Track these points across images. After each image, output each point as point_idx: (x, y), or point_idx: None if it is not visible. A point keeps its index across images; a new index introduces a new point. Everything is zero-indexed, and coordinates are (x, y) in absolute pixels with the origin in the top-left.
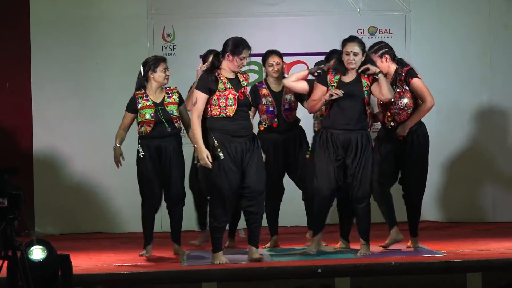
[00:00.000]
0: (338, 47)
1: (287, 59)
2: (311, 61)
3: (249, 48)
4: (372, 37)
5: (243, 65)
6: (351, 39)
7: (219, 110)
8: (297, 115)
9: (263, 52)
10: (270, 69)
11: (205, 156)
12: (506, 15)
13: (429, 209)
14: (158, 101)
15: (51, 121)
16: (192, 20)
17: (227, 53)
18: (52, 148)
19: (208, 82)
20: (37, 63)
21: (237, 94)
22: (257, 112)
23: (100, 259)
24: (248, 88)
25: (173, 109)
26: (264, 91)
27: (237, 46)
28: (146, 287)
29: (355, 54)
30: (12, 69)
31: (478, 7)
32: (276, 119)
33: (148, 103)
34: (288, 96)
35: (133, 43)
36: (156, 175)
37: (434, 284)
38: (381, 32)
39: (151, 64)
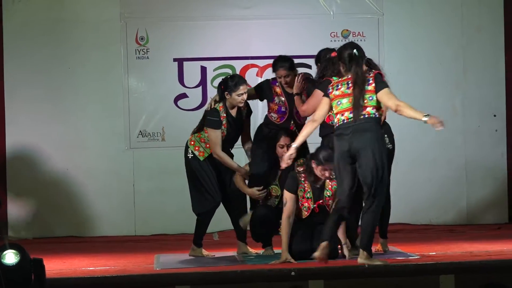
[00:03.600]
0: (312, 51)
1: (261, 63)
2: None
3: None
4: (345, 40)
5: (330, 174)
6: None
7: (297, 211)
8: None
9: (236, 55)
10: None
11: (285, 259)
12: (479, 18)
13: (402, 212)
14: None
15: (24, 125)
16: (165, 24)
17: (312, 161)
18: (25, 152)
19: (294, 184)
20: (10, 66)
21: (313, 206)
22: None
23: (73, 263)
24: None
25: None
26: (278, 90)
27: (327, 160)
28: None
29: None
30: None
31: (451, 10)
32: (286, 121)
33: None
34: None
35: (106, 47)
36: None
37: (407, 287)
38: (354, 35)
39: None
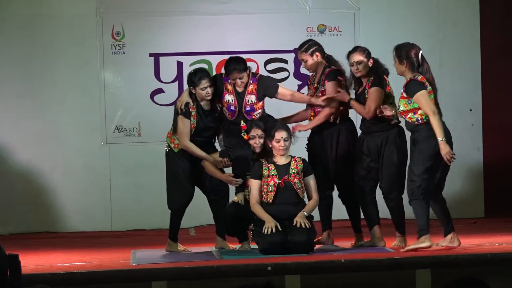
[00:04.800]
0: (288, 45)
1: None
2: (261, 59)
3: (287, 129)
4: (321, 35)
5: (283, 146)
6: (353, 49)
7: (263, 195)
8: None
9: (213, 50)
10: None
11: (274, 224)
12: (455, 12)
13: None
14: None
15: (1, 119)
16: (141, 19)
17: (268, 141)
18: (1, 147)
19: (256, 169)
20: None
21: (279, 181)
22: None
23: (49, 259)
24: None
25: None
26: (229, 87)
27: (276, 130)
28: (95, 286)
29: (359, 63)
30: None
31: (428, 4)
32: (237, 118)
33: None
34: (250, 97)
35: (82, 42)
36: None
37: (384, 281)
38: (330, 30)
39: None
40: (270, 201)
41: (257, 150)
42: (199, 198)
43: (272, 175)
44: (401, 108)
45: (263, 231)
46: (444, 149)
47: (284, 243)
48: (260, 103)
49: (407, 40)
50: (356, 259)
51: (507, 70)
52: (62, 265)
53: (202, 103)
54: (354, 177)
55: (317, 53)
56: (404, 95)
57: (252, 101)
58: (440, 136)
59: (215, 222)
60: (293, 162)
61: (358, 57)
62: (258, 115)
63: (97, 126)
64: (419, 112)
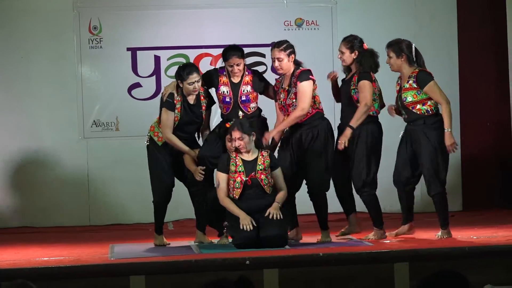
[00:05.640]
0: (265, 39)
1: (214, 52)
2: None
3: (239, 129)
4: (299, 29)
5: (234, 145)
6: (344, 38)
7: (230, 191)
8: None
9: (190, 44)
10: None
11: (249, 221)
12: (432, 5)
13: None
14: None
15: None
16: (118, 13)
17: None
18: None
19: (223, 162)
20: None
21: (246, 179)
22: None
23: (27, 254)
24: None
25: None
26: (224, 79)
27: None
28: (74, 281)
29: (342, 53)
30: None
31: None
32: (232, 111)
33: None
34: (245, 87)
35: (59, 36)
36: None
37: (362, 275)
38: (308, 24)
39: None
40: (237, 197)
41: (231, 151)
42: (178, 193)
43: (239, 171)
44: (409, 99)
45: (240, 227)
46: (450, 139)
47: (258, 237)
48: (255, 94)
49: (384, 34)
50: (334, 253)
51: (485, 63)
52: (40, 259)
53: (188, 98)
54: (323, 174)
55: (292, 56)
56: (414, 85)
57: (248, 91)
58: (449, 127)
59: (196, 216)
60: (260, 157)
61: (341, 47)
62: (253, 109)
63: (74, 120)
64: (429, 103)
